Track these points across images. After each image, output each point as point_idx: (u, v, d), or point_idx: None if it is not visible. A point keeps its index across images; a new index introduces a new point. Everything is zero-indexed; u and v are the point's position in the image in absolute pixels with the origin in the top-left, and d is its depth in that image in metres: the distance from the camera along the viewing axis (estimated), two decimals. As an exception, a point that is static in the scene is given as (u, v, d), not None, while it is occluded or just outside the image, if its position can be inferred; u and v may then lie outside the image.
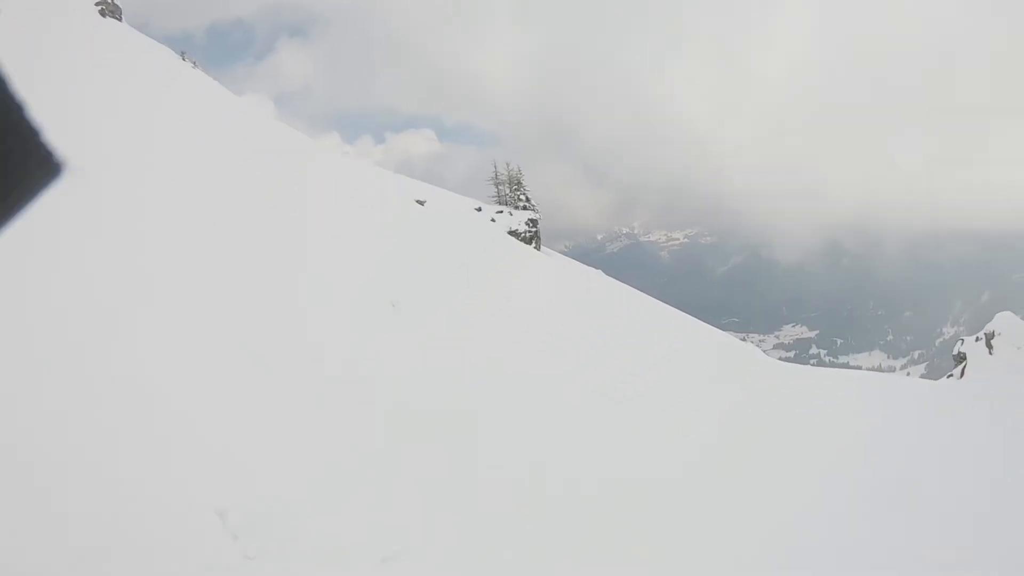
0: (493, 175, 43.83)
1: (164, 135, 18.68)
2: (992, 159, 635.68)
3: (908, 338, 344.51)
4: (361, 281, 16.42)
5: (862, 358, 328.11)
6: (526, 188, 43.67)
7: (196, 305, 11.83)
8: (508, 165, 44.55)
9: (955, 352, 35.11)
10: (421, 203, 31.41)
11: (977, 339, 32.76)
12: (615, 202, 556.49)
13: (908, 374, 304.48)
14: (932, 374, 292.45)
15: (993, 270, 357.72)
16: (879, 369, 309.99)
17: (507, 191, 43.13)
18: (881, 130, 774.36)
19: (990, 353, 30.69)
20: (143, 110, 19.99)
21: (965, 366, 31.69)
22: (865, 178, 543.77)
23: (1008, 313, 32.80)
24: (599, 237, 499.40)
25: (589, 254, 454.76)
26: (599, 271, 51.64)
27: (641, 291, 43.14)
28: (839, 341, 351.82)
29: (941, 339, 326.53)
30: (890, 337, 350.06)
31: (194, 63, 36.27)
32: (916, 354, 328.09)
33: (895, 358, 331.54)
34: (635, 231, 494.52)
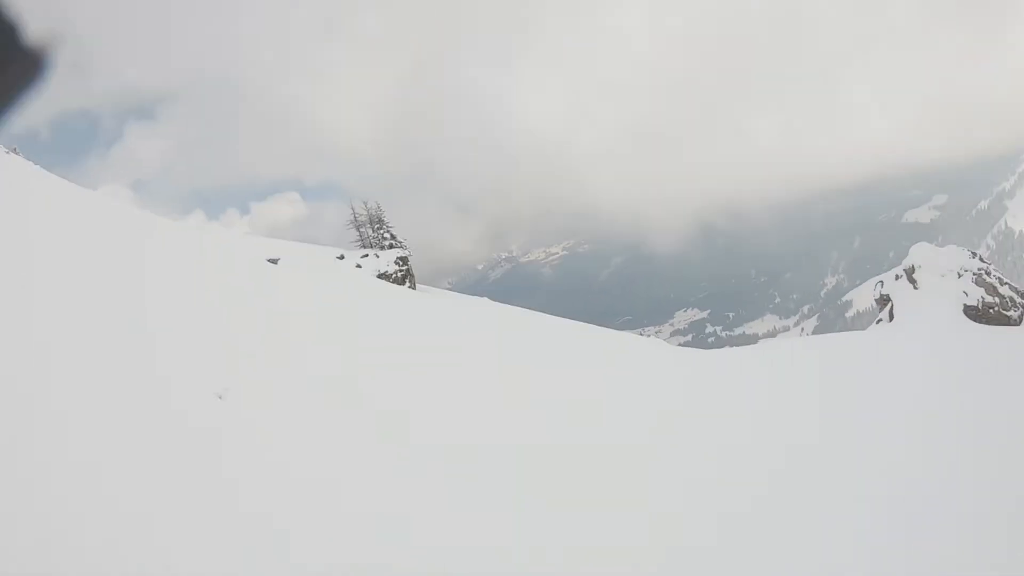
0: (352, 218, 40.24)
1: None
2: (838, 119, 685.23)
3: (795, 296, 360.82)
4: (188, 368, 12.81)
5: (756, 325, 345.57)
6: (389, 225, 40.31)
7: None
8: (366, 204, 41.08)
9: (877, 296, 33.89)
10: (274, 262, 27.60)
11: (897, 276, 31.46)
12: (489, 230, 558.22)
13: (802, 330, 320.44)
14: (824, 325, 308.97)
15: (860, 216, 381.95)
16: (773, 331, 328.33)
17: (370, 232, 39.53)
18: (734, 111, 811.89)
19: (915, 288, 29.40)
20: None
21: (892, 307, 30.32)
22: (726, 159, 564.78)
23: (923, 244, 31.73)
24: (480, 267, 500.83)
25: (473, 286, 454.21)
26: (484, 298, 48.80)
27: (532, 307, 41.95)
28: (731, 315, 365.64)
29: (825, 289, 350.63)
30: (777, 300, 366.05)
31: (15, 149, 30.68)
32: (805, 309, 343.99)
33: (786, 318, 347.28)
34: (514, 254, 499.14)
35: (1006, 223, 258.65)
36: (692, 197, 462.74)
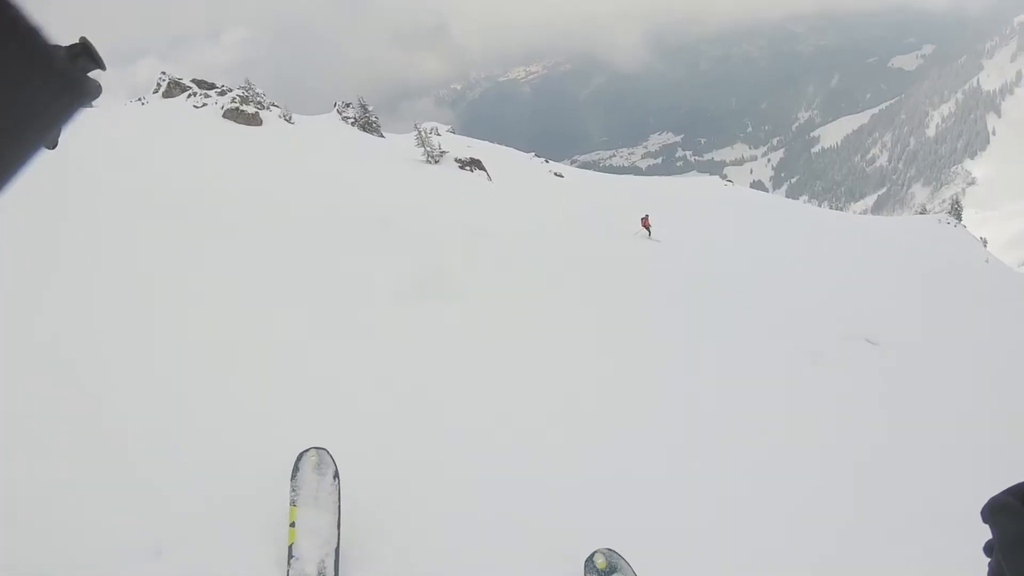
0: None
1: None
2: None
3: (766, 127, 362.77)
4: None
5: (725, 152, 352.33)
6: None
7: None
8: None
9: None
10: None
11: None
12: (454, 49, 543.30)
13: (768, 160, 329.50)
14: (790, 158, 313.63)
15: (846, 56, 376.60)
16: (740, 160, 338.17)
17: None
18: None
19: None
20: None
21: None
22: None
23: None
24: (458, 87, 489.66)
25: (453, 105, 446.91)
26: (438, 126, 51.55)
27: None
28: (703, 140, 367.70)
29: (797, 123, 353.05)
30: (749, 129, 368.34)
31: None
32: (775, 141, 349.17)
33: (755, 147, 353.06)
34: (493, 73, 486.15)
35: (978, 81, 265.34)
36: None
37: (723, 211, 34.36)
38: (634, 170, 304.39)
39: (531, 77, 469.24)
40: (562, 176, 45.92)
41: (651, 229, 23.60)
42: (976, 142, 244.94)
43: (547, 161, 54.70)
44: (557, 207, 26.60)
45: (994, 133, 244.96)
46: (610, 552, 4.50)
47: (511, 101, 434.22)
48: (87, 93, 0.52)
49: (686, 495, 6.79)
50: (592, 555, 4.47)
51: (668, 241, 23.04)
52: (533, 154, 57.01)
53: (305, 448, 4.83)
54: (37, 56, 0.48)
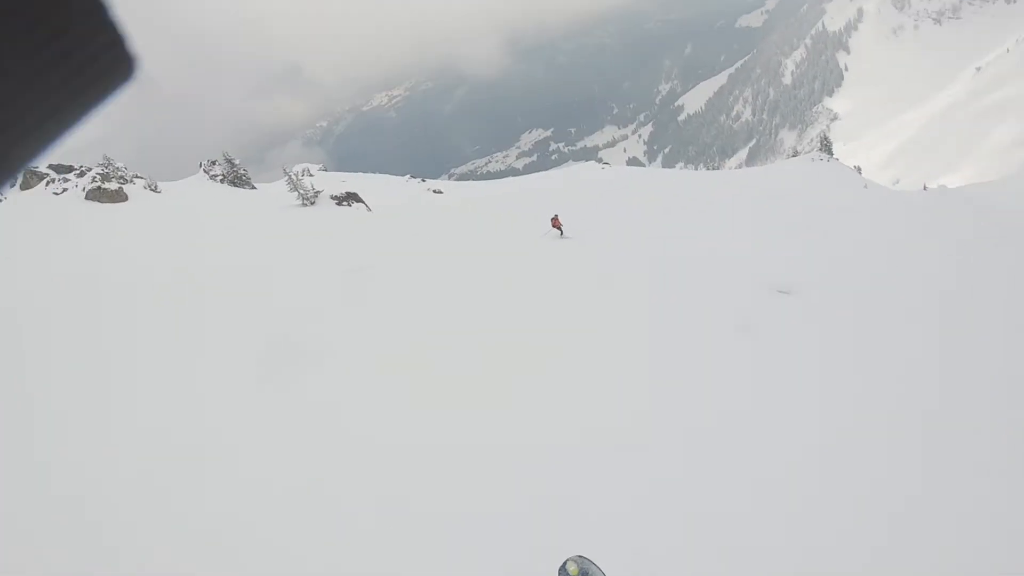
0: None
1: None
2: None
3: (631, 106, 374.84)
4: None
5: (596, 137, 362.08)
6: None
7: None
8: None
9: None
10: None
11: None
12: (310, 88, 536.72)
13: (639, 136, 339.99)
14: (658, 130, 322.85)
15: (695, 24, 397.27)
16: (613, 141, 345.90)
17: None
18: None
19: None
20: None
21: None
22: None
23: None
24: (323, 124, 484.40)
25: (322, 143, 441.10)
26: (309, 167, 51.22)
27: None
28: (573, 130, 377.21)
29: (660, 96, 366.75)
30: (616, 111, 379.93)
31: None
32: (642, 116, 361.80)
33: (624, 127, 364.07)
34: (356, 104, 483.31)
35: (823, 24, 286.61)
36: (493, 8, 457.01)
37: (611, 192, 34.82)
38: (512, 171, 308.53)
39: (395, 101, 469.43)
40: (441, 192, 46.70)
41: (562, 228, 23.03)
42: (831, 80, 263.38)
43: (424, 180, 55.41)
44: (443, 222, 26.34)
45: (846, 69, 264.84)
46: (581, 559, 4.57)
47: (379, 128, 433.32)
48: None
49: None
50: (564, 563, 4.49)
51: (580, 235, 22.59)
52: (409, 176, 57.82)
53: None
54: (131, 67, 0.54)
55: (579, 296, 13.98)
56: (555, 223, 22.95)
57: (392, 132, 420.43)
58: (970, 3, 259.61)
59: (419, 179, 56.79)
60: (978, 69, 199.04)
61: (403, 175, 60.45)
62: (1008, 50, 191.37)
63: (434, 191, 47.34)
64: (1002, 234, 20.73)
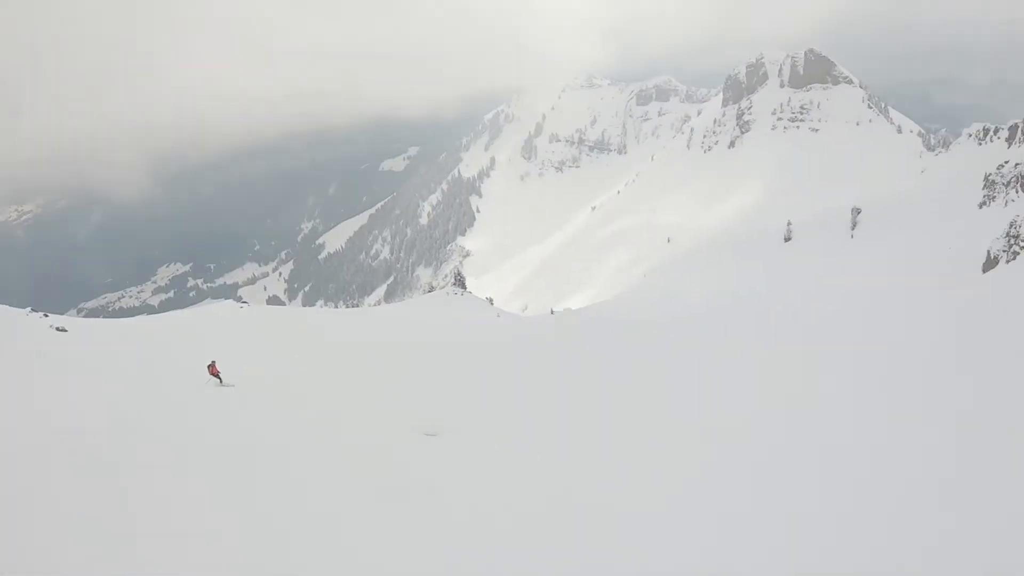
0: None
1: None
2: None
3: (273, 243, 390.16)
4: None
5: (237, 274, 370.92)
6: None
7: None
8: None
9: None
10: None
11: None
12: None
13: (280, 274, 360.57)
14: (299, 268, 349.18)
15: (341, 165, 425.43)
16: (253, 279, 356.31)
17: None
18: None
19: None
20: None
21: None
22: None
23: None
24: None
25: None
26: None
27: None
28: (212, 266, 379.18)
29: (302, 234, 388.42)
30: (257, 247, 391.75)
31: None
32: (283, 254, 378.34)
33: (265, 264, 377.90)
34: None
35: (459, 171, 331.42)
36: (141, 129, 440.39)
37: (248, 335, 38.29)
38: (147, 308, 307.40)
39: (24, 218, 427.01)
40: (66, 330, 40.12)
41: (220, 376, 22.28)
42: (464, 221, 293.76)
43: (46, 315, 47.39)
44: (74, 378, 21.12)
45: (478, 211, 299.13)
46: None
47: (3, 248, 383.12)
48: None
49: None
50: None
51: (242, 380, 22.55)
52: (30, 309, 49.73)
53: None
54: None
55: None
56: (212, 371, 22.32)
57: (18, 254, 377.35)
58: (587, 154, 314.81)
59: (41, 313, 47.70)
60: (593, 208, 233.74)
61: (24, 307, 51.57)
62: (619, 192, 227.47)
63: (57, 328, 39.24)
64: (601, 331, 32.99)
